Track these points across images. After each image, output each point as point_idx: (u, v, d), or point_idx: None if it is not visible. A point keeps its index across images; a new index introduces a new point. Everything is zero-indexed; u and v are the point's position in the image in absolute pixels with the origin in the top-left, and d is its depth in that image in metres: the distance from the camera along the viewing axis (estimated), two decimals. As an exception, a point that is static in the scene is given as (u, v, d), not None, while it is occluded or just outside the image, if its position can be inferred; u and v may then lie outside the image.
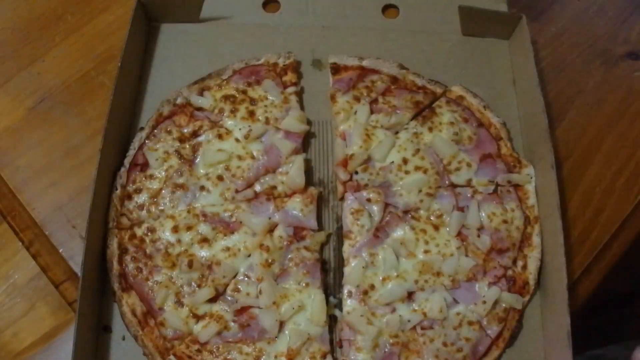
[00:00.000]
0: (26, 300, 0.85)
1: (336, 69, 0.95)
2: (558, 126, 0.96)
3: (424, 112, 0.92)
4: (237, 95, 0.91)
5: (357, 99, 0.91)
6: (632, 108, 0.99)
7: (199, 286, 0.81)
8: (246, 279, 0.82)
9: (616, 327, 1.20)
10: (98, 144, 0.86)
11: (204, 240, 0.83)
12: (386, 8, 1.03)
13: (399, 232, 0.85)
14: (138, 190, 0.86)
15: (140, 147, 0.88)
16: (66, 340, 0.83)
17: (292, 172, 0.87)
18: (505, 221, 0.86)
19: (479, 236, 0.85)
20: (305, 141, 0.93)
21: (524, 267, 0.85)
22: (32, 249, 0.88)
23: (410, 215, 0.86)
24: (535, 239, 0.86)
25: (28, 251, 0.88)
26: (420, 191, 0.86)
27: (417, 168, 0.88)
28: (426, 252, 0.84)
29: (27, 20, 1.03)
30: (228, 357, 0.78)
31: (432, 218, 0.86)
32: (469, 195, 0.87)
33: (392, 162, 0.88)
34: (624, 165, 0.95)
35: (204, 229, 0.84)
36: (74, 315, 0.83)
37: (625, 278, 1.05)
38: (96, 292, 0.82)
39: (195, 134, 0.90)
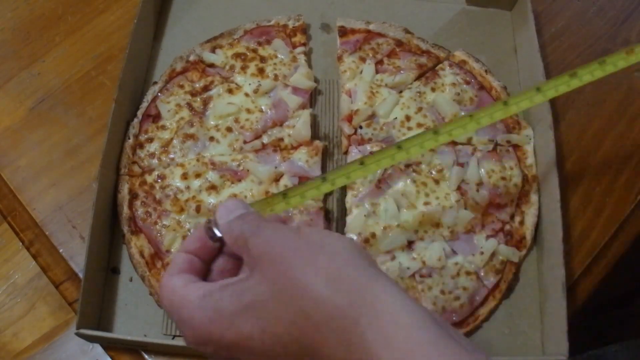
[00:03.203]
0: (26, 300, 0.85)
1: (343, 32, 0.99)
2: (558, 126, 0.96)
3: (427, 73, 0.97)
4: (248, 54, 0.96)
5: (363, 60, 0.96)
6: (632, 108, 0.99)
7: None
8: None
9: (616, 327, 1.20)
10: (98, 144, 0.86)
11: (212, 188, 0.86)
12: (393, -24, 1.06)
13: (401, 184, 0.87)
14: (150, 140, 0.90)
15: (153, 100, 0.93)
16: (66, 341, 0.83)
17: (299, 125, 0.90)
18: (503, 178, 0.88)
19: (478, 191, 0.87)
20: (312, 98, 0.97)
21: (522, 222, 0.87)
22: (32, 249, 0.88)
23: (411, 169, 0.89)
24: (533, 197, 0.89)
25: (28, 251, 0.88)
26: None
27: (419, 125, 0.91)
28: (426, 204, 0.86)
29: (27, 21, 1.03)
30: None
31: (432, 172, 0.89)
32: (469, 152, 0.90)
33: (396, 118, 0.91)
34: (624, 165, 0.95)
35: (212, 176, 0.87)
36: (74, 316, 0.83)
37: (625, 278, 1.05)
38: (105, 236, 0.85)
39: (206, 88, 0.94)
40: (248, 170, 0.87)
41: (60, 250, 0.87)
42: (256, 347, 0.46)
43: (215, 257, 0.54)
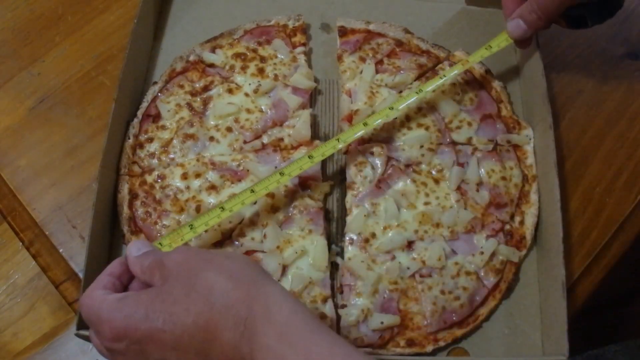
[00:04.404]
0: (26, 300, 0.85)
1: (343, 32, 0.99)
2: (558, 126, 0.96)
3: (427, 73, 0.96)
4: (248, 54, 0.96)
5: (363, 60, 0.96)
6: (632, 108, 0.99)
7: (205, 231, 0.82)
8: (252, 224, 0.84)
9: (616, 327, 1.20)
10: (98, 144, 0.86)
11: (212, 188, 0.86)
12: (392, -24, 1.06)
13: (401, 184, 0.88)
14: (150, 140, 0.90)
15: (153, 100, 0.93)
16: (66, 341, 0.83)
17: (299, 125, 0.90)
18: (504, 178, 0.88)
19: (478, 191, 0.87)
20: (312, 98, 0.97)
21: (521, 222, 0.87)
22: (32, 249, 0.88)
23: (411, 169, 0.89)
24: (533, 197, 0.89)
25: (28, 251, 0.88)
26: (421, 146, 0.89)
27: (419, 125, 0.91)
28: (426, 203, 0.87)
29: (27, 21, 1.03)
30: None
31: (432, 172, 0.89)
32: (469, 152, 0.90)
33: (396, 118, 0.91)
34: (624, 165, 0.95)
35: (212, 176, 0.87)
36: (74, 316, 0.83)
37: (625, 278, 1.05)
38: (105, 236, 0.85)
39: (206, 88, 0.94)
40: (248, 170, 0.87)
41: (60, 250, 0.87)
42: (167, 338, 0.54)
43: (130, 281, 0.64)
